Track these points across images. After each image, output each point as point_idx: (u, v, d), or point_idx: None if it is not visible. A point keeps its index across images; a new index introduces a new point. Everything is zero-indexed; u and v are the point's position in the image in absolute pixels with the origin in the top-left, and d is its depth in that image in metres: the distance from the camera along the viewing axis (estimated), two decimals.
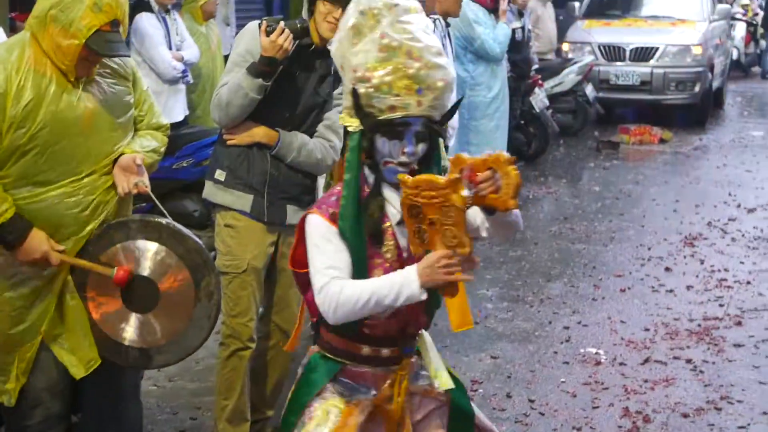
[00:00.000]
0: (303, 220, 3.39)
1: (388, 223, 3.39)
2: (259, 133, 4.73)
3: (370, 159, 3.38)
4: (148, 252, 4.07)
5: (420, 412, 3.54)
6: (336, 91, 4.79)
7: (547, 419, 5.58)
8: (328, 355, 3.51)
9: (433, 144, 3.43)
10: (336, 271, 3.28)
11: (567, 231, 9.65)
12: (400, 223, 3.37)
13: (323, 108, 4.84)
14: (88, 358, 4.11)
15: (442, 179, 3.18)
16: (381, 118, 3.33)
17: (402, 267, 3.31)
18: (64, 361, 4.09)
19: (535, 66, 12.54)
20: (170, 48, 8.71)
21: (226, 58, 6.49)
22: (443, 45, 6.19)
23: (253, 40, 4.62)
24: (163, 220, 4.12)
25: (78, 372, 4.10)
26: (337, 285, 3.26)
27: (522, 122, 12.31)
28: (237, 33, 5.01)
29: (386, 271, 3.36)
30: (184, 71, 8.76)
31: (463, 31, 8.90)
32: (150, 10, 8.70)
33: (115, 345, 4.11)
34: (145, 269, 4.07)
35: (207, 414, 5.45)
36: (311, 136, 4.82)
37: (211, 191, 4.85)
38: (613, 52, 15.51)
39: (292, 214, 4.83)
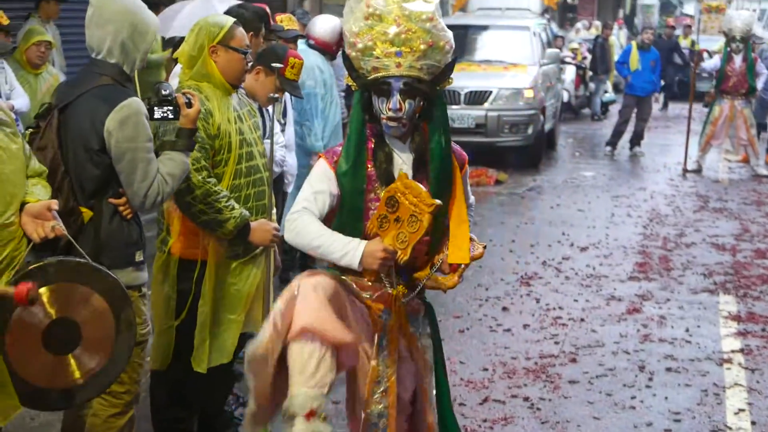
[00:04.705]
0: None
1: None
2: None
3: (368, 113, 3.91)
4: (69, 293, 4.04)
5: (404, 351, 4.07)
6: None
7: None
8: (333, 269, 4.03)
9: (434, 102, 3.92)
10: (310, 204, 3.90)
11: None
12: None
13: None
14: (7, 406, 4.01)
15: (430, 199, 3.74)
16: (369, 78, 3.85)
17: None
18: None
19: None
20: None
21: None
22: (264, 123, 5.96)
23: (145, 121, 4.45)
24: (81, 260, 4.10)
25: None
26: (306, 217, 3.88)
27: None
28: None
29: None
30: (15, 120, 8.54)
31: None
32: None
33: (37, 390, 4.04)
34: (66, 310, 4.03)
35: None
36: None
37: (132, 277, 4.56)
38: (448, 96, 15.77)
39: None
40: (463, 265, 3.98)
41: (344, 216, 3.95)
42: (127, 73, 4.51)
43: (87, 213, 4.40)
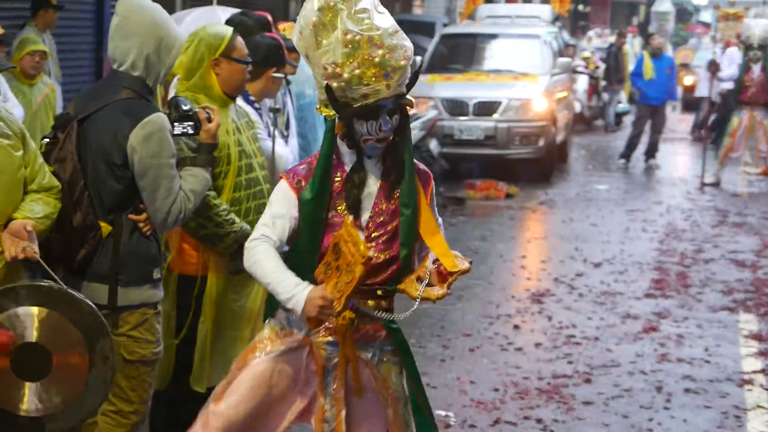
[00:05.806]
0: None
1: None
2: None
3: (349, 140, 3.82)
4: (39, 318, 4.00)
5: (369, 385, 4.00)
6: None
7: None
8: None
9: (405, 112, 3.91)
10: (268, 230, 3.88)
11: None
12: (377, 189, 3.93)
13: None
14: None
15: (364, 250, 3.65)
16: (356, 105, 3.74)
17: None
18: None
19: None
20: None
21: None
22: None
23: (169, 137, 4.38)
24: (54, 285, 4.04)
25: None
26: (262, 248, 3.86)
27: None
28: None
29: None
30: (23, 133, 8.40)
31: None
32: None
33: (3, 414, 3.98)
34: (36, 336, 3.99)
35: None
36: None
37: (149, 294, 4.47)
38: (456, 107, 15.59)
39: None
40: (453, 276, 3.88)
41: (301, 242, 3.93)
42: (150, 86, 4.47)
43: (106, 228, 4.34)
